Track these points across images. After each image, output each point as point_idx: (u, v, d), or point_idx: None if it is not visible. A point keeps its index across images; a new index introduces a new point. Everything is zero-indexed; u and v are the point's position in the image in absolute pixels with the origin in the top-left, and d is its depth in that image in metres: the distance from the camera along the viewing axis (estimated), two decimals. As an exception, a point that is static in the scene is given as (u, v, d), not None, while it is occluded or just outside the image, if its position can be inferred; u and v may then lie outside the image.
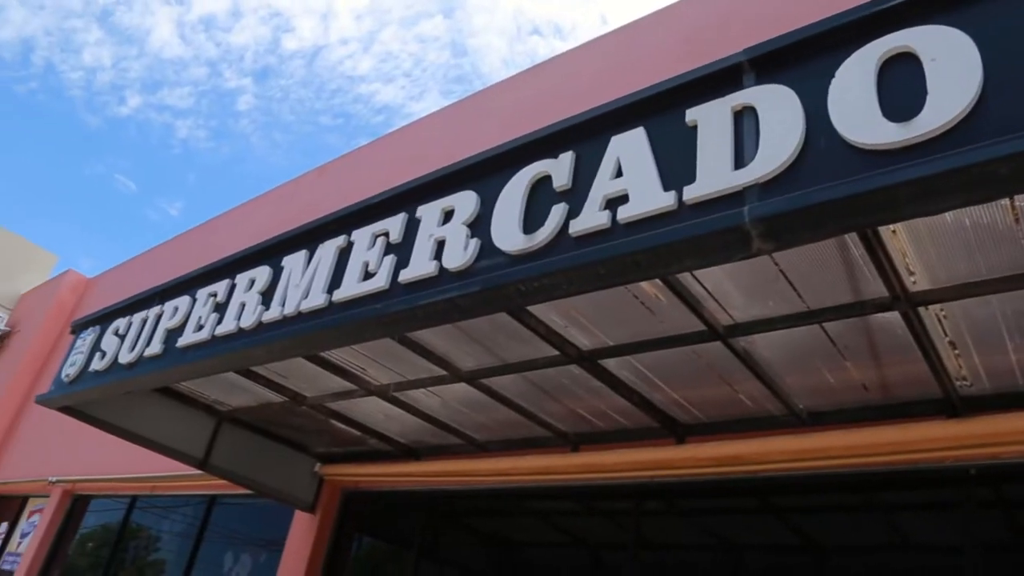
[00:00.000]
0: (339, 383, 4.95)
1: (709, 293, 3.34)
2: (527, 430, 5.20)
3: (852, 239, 2.81)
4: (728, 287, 3.29)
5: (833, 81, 2.21)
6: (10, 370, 14.36)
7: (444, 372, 4.44)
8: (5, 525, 12.03)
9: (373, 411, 5.37)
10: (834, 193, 2.05)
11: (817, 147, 2.17)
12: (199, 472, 7.74)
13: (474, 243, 2.87)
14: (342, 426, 5.77)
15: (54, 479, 10.64)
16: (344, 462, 6.46)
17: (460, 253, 2.88)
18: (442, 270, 2.92)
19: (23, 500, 12.03)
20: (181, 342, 4.26)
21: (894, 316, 3.22)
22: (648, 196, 2.48)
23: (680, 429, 4.71)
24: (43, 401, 5.56)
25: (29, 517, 11.52)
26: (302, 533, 6.72)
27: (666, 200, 2.42)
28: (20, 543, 11.31)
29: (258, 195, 10.93)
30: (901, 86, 2.08)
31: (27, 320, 15.43)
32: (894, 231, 2.76)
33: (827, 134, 2.16)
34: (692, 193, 2.37)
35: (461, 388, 4.65)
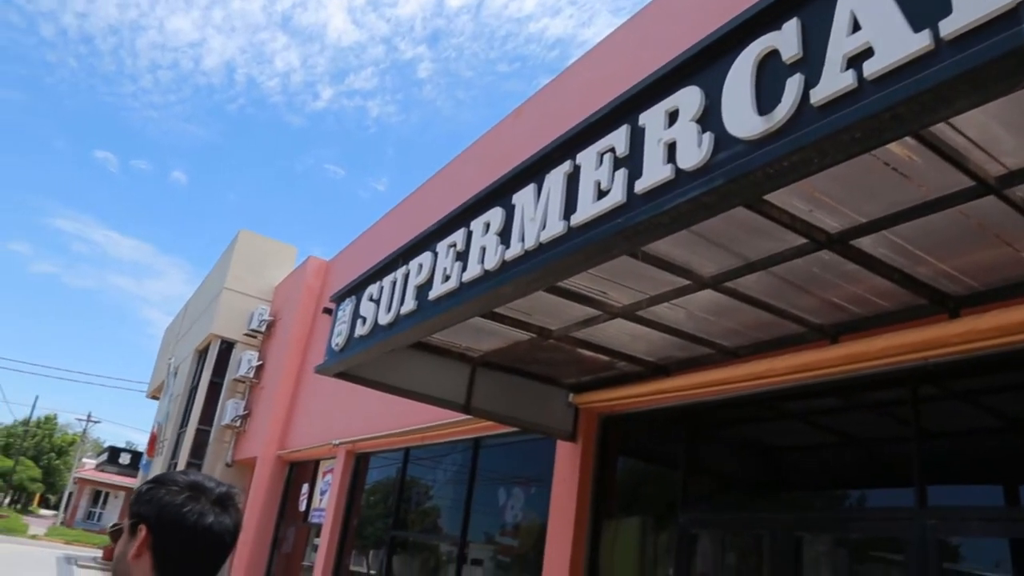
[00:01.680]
0: (582, 311, 5.04)
1: (973, 142, 3.01)
2: (779, 329, 5.03)
3: None
4: (996, 131, 2.95)
5: None
6: (281, 354, 16.07)
7: (686, 282, 4.38)
8: (306, 486, 13.61)
9: (618, 334, 5.43)
10: None
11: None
12: (463, 417, 8.27)
13: (707, 137, 2.77)
14: (590, 353, 5.89)
15: (337, 442, 11.85)
16: (596, 389, 6.61)
17: (694, 151, 2.80)
18: (679, 172, 2.86)
19: (316, 463, 13.52)
20: (432, 295, 4.52)
21: None
22: (897, 43, 2.26)
23: (952, 303, 4.33)
24: (321, 370, 6.15)
25: (323, 477, 12.93)
26: (567, 462, 7.00)
27: (920, 41, 2.19)
28: (321, 500, 12.75)
29: (462, 151, 11.29)
30: None
31: (284, 308, 17.14)
32: None
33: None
34: (951, 26, 2.13)
35: (705, 296, 4.57)
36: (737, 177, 2.60)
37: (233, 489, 1.62)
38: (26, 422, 61.95)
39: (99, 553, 27.11)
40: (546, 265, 3.53)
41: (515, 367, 6.47)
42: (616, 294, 4.74)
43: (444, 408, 6.54)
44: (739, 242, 3.96)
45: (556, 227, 3.48)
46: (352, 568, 11.52)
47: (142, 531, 1.50)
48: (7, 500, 57.42)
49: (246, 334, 17.73)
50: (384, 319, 5.06)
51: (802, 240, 3.81)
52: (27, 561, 22.03)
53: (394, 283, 5.09)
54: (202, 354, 19.59)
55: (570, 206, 3.45)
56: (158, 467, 19.05)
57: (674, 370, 6.00)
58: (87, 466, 49.60)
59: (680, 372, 5.93)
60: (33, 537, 35.40)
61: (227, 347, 18.17)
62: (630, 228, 3.03)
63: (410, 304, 4.75)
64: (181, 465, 17.43)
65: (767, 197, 3.41)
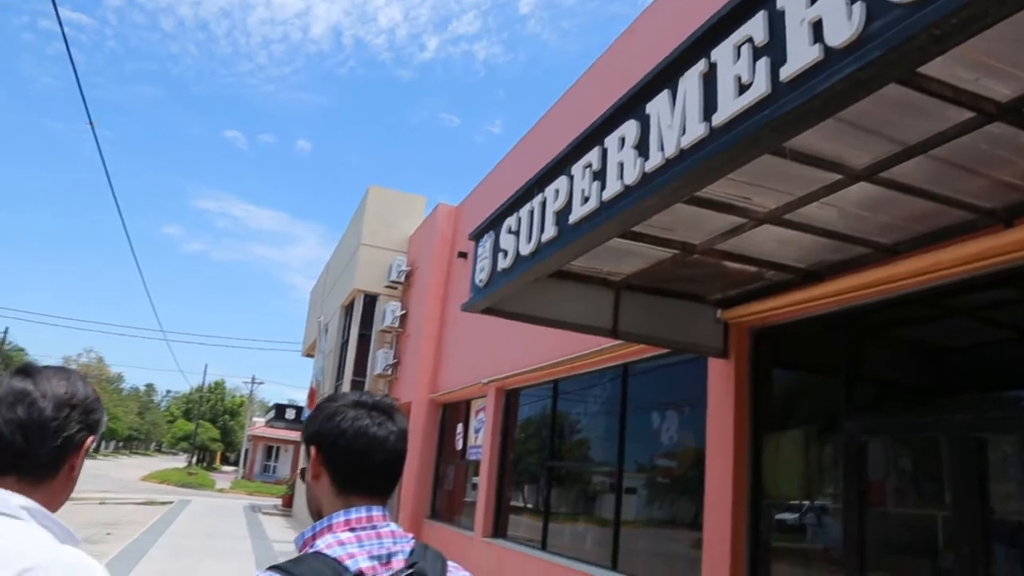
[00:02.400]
0: (725, 221, 4.88)
1: None
2: (943, 218, 4.69)
3: None
4: None
5: None
6: (422, 301, 16.57)
7: (837, 176, 4.14)
8: (460, 426, 14.10)
9: (765, 241, 5.23)
10: None
11: None
12: (609, 344, 8.29)
13: (858, 8, 2.56)
14: (736, 265, 5.72)
15: (486, 380, 12.17)
16: (744, 302, 6.44)
17: (844, 25, 2.60)
18: (828, 50, 2.67)
19: (467, 403, 13.97)
20: (572, 219, 4.49)
21: None
22: None
23: None
24: (467, 307, 6.28)
25: (476, 416, 13.35)
26: (720, 380, 6.88)
27: None
28: (476, 437, 13.19)
29: (578, 77, 11.08)
30: None
31: (420, 256, 17.60)
32: None
33: None
34: None
35: (858, 189, 4.31)
36: (897, 45, 2.40)
37: (389, 399, 1.63)
38: (200, 389, 67.17)
39: (278, 501, 29.29)
40: (689, 171, 3.42)
41: (659, 287, 6.38)
42: (761, 198, 4.54)
43: (591, 334, 6.56)
44: (894, 126, 3.69)
45: (696, 131, 3.34)
46: (512, 502, 11.91)
47: (313, 452, 1.55)
48: (194, 459, 62.83)
49: (387, 286, 18.36)
50: (525, 249, 5.08)
51: (968, 114, 3.51)
52: (220, 511, 24.12)
53: (531, 212, 5.08)
54: (348, 310, 20.48)
55: (709, 106, 3.30)
56: (304, 447, 20.23)
57: (827, 275, 5.74)
58: (257, 424, 53.34)
59: (834, 276, 5.67)
60: (220, 490, 38.71)
61: (371, 300, 18.91)
62: (779, 119, 2.86)
63: (550, 231, 4.73)
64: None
65: (925, 70, 3.14)
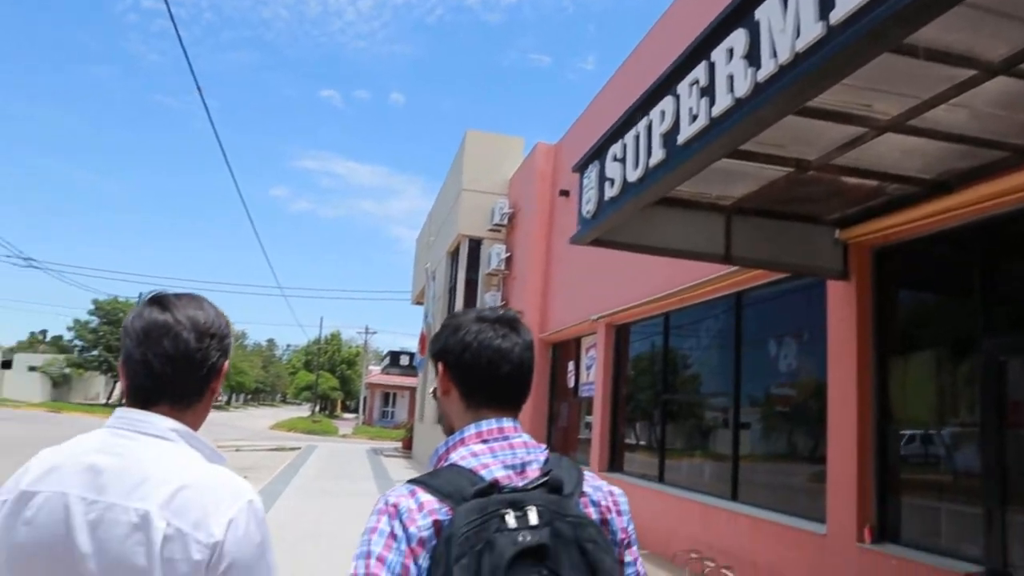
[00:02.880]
0: (843, 132, 4.62)
1: None
2: (1092, 112, 4.29)
3: None
4: None
5: None
6: (526, 242, 16.61)
7: (969, 72, 3.83)
8: (571, 364, 14.19)
9: (887, 151, 4.93)
10: None
11: None
12: (721, 272, 8.10)
13: None
14: (855, 181, 5.43)
15: (595, 317, 12.15)
16: (865, 220, 6.13)
17: None
18: (962, -75, 2.44)
19: (577, 341, 14.02)
20: (681, 139, 4.35)
21: None
22: None
23: None
24: (576, 240, 6.23)
25: (587, 353, 13.39)
26: (841, 303, 6.62)
27: None
28: (587, 375, 13.25)
29: (671, 3, 10.66)
30: None
31: (522, 197, 17.59)
32: None
33: None
34: None
35: (994, 86, 3.97)
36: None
37: (513, 312, 1.61)
38: (317, 341, 70.06)
39: (397, 444, 30.45)
40: (805, 76, 3.23)
41: (772, 209, 6.14)
42: (882, 104, 4.27)
43: (702, 261, 6.41)
44: (1037, 9, 3.36)
45: (812, 31, 3.14)
46: (626, 438, 11.96)
47: (441, 368, 1.56)
48: (316, 408, 65.93)
49: (490, 229, 18.48)
50: (633, 175, 4.97)
51: (1123, -12, 3.16)
52: (345, 454, 25.31)
53: (637, 137, 4.95)
54: (454, 255, 20.76)
55: (826, 4, 3.09)
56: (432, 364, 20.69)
57: (957, 184, 5.38)
58: (373, 372, 55.31)
59: (965, 185, 5.30)
60: (343, 436, 40.55)
61: (475, 245, 19.09)
62: (904, 8, 2.65)
63: (658, 154, 4.60)
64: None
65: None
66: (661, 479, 10.19)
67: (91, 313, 53.45)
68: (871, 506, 6.23)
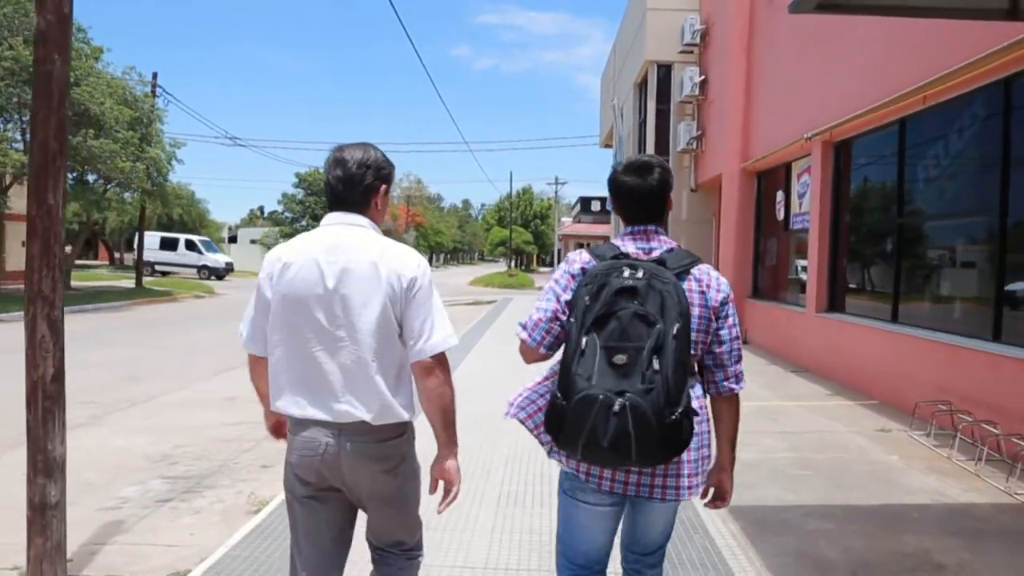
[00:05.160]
0: None
1: None
2: None
3: None
4: None
5: None
6: (722, 61, 14.64)
7: None
8: (780, 193, 12.50)
9: None
10: None
11: None
12: (988, 52, 6.23)
13: None
14: None
15: (809, 135, 10.35)
16: None
17: None
18: None
19: (786, 167, 12.25)
20: None
21: None
22: None
23: None
24: (795, 9, 4.71)
25: (799, 179, 11.65)
26: None
27: None
28: (800, 204, 11.57)
29: None
30: None
31: (715, 10, 15.44)
32: None
33: None
34: None
35: None
36: None
37: (648, 156, 2.33)
38: (508, 196, 70.52)
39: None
40: None
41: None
42: None
43: (978, 19, 4.68)
44: None
45: None
46: (848, 273, 10.35)
47: (613, 199, 2.37)
48: (512, 263, 67.20)
49: (681, 51, 16.50)
50: None
51: None
52: (538, 304, 25.14)
53: None
54: (641, 87, 18.99)
55: None
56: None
57: None
58: (565, 224, 54.90)
59: None
60: (538, 288, 40.85)
61: (665, 71, 17.24)
62: None
63: None
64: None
65: None
66: (894, 318, 8.63)
67: (295, 186, 56.33)
68: None
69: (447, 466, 2.26)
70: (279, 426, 2.41)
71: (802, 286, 11.56)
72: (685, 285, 2.09)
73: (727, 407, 2.26)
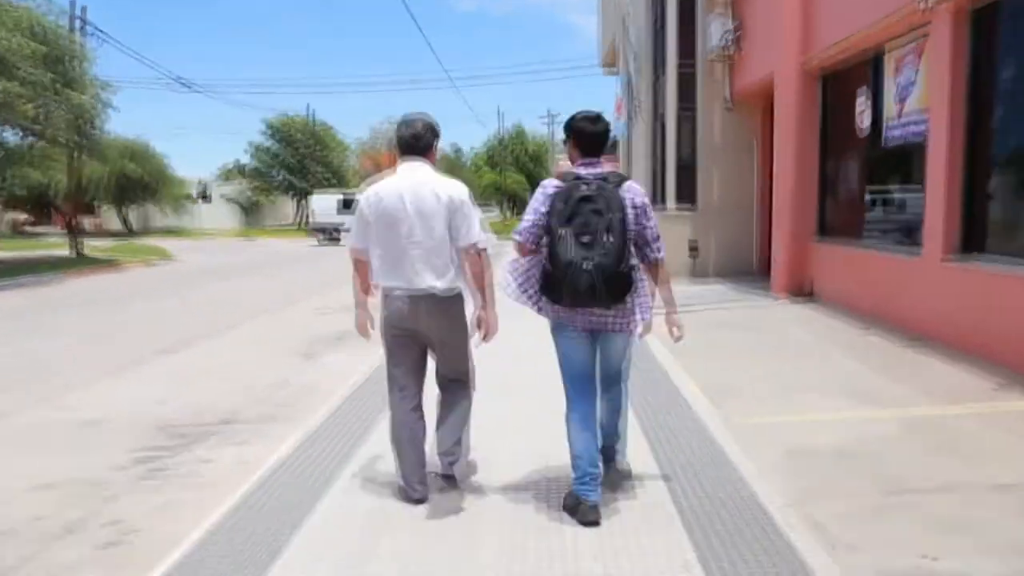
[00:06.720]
0: None
1: None
2: None
3: None
4: None
5: None
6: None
7: None
8: (864, 93, 9.20)
9: None
10: None
11: None
12: None
13: None
14: None
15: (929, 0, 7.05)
16: None
17: None
18: None
19: (874, 57, 8.96)
20: None
21: None
22: None
23: None
24: None
25: (897, 72, 8.36)
26: None
27: None
28: (901, 106, 8.30)
29: None
30: None
31: None
32: None
33: None
34: None
35: None
36: None
37: (596, 112, 3.71)
38: (499, 135, 66.55)
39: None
40: None
41: None
42: None
43: None
44: None
45: None
46: (991, 199, 7.18)
47: (572, 139, 3.71)
48: (506, 208, 63.74)
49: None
50: None
51: None
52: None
53: None
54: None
55: None
56: (641, 127, 15.94)
57: None
58: (561, 163, 51.25)
59: None
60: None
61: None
62: None
63: None
64: (670, 116, 14.14)
65: None
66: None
67: (263, 134, 52.41)
68: None
69: (485, 315, 3.75)
70: (364, 327, 3.96)
71: (905, 222, 8.42)
72: (620, 193, 3.41)
73: (657, 268, 3.66)
